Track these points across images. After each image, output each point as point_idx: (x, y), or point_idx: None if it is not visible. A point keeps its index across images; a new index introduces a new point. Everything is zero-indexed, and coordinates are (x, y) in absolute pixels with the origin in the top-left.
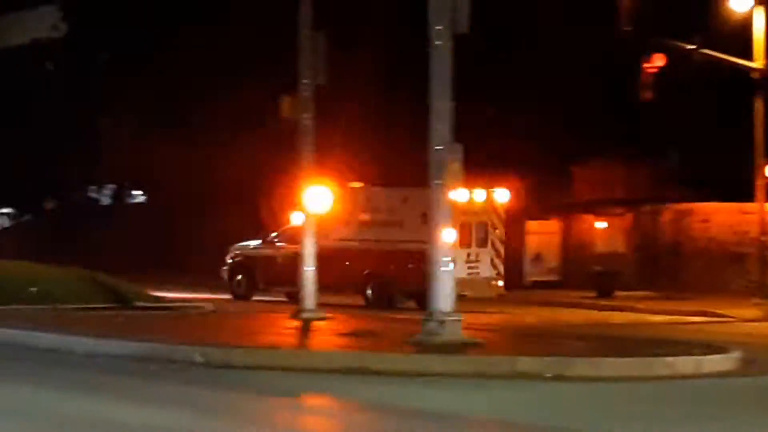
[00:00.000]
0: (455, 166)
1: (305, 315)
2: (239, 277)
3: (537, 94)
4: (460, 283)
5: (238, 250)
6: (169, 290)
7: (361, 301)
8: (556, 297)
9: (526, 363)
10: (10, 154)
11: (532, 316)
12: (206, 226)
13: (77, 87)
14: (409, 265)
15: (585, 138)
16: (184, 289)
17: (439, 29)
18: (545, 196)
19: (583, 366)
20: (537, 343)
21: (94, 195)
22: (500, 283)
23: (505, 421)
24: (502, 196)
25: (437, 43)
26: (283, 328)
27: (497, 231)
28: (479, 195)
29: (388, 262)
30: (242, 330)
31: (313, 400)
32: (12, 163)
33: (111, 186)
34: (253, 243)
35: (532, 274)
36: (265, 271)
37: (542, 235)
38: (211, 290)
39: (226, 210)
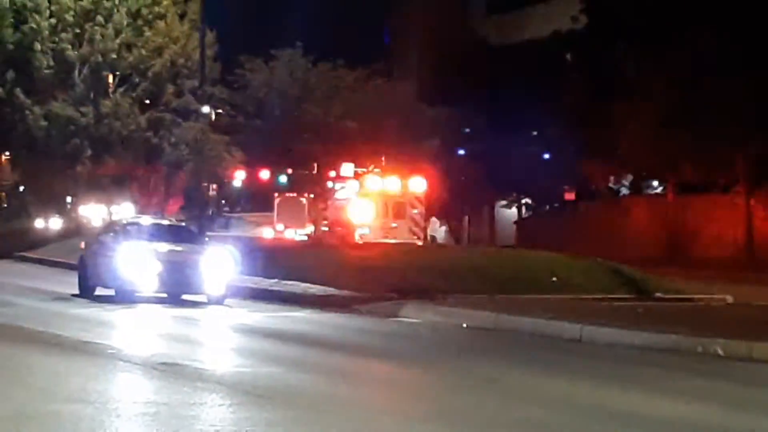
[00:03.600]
0: None
1: None
2: None
3: None
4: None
5: None
6: (686, 282)
7: None
8: None
9: None
10: (527, 145)
11: None
12: (722, 219)
13: (595, 77)
14: None
15: None
16: (700, 281)
17: None
18: None
19: None
20: None
21: (612, 186)
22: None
23: None
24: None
25: None
26: None
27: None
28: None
29: None
30: (763, 322)
31: None
32: (531, 155)
33: (629, 176)
34: None
35: None
36: None
37: None
38: (730, 282)
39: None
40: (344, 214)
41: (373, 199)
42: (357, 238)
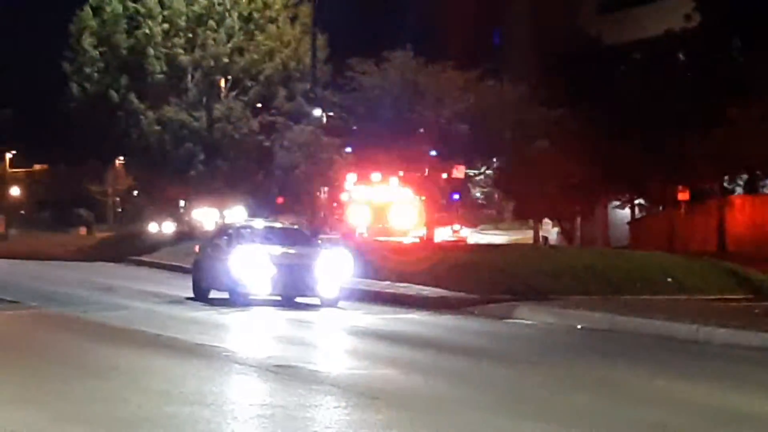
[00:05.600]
0: None
1: None
2: None
3: None
4: None
5: None
6: None
7: None
8: None
9: None
10: (640, 145)
11: None
12: None
13: (709, 76)
14: None
15: None
16: None
17: None
18: None
19: None
20: None
21: (727, 185)
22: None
23: None
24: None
25: None
26: None
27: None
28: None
29: None
30: None
31: None
32: (644, 154)
33: (743, 176)
34: None
35: None
36: None
37: None
38: None
39: None
40: (347, 217)
41: (367, 204)
42: (357, 236)
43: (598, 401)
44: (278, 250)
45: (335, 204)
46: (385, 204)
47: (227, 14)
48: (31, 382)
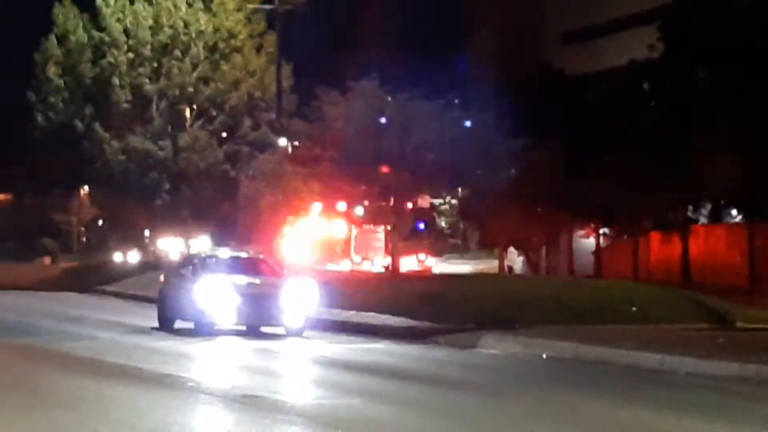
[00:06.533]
0: None
1: None
2: None
3: None
4: None
5: None
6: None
7: None
8: None
9: None
10: (605, 175)
11: None
12: None
13: (673, 106)
14: None
15: None
16: None
17: None
18: None
19: None
20: None
21: (691, 215)
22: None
23: None
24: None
25: None
26: None
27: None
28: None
29: None
30: None
31: None
32: (608, 184)
33: (707, 205)
34: None
35: None
36: None
37: None
38: None
39: None
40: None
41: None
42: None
43: (562, 430)
44: (243, 279)
45: (282, 235)
46: (322, 236)
47: (192, 44)
48: None
